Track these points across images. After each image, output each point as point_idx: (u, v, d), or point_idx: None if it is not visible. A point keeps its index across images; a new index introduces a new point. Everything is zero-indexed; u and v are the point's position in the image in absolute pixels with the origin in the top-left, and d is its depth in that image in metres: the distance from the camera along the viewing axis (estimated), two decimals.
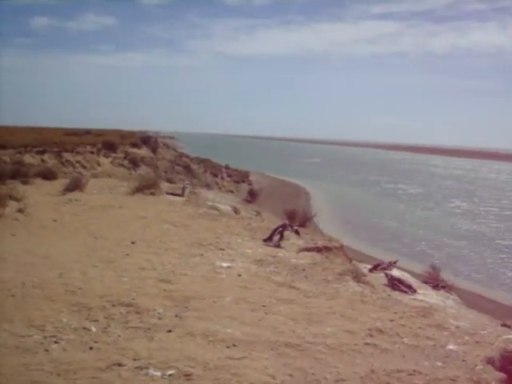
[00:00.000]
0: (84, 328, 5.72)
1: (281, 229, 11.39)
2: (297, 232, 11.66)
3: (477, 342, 6.67)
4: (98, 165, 38.47)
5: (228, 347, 5.50)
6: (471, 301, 15.91)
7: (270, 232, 11.94)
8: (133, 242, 10.01)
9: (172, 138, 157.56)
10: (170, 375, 4.76)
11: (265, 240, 11.24)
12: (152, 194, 16.22)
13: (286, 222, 12.82)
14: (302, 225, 17.78)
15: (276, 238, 11.17)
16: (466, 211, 59.84)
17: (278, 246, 10.97)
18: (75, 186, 16.32)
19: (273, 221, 16.43)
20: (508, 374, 5.57)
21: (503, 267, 34.47)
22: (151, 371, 4.79)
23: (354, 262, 11.51)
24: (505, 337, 6.93)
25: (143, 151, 47.96)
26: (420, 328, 6.90)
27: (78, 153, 37.66)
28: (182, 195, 16.97)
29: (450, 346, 6.36)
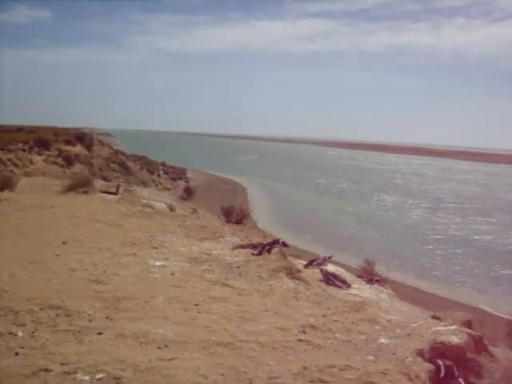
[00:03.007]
0: (10, 333, 5.51)
1: (268, 247, 11.01)
2: (284, 244, 11.19)
3: (408, 334, 6.79)
4: (31, 163, 37.52)
5: (159, 348, 5.42)
6: (405, 293, 16.33)
7: (205, 230, 11.89)
8: (64, 243, 9.77)
9: (108, 135, 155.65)
10: (98, 379, 4.64)
11: (253, 254, 10.78)
12: (85, 192, 15.91)
13: (277, 238, 12.12)
14: (239, 222, 17.77)
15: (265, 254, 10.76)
16: (393, 204, 61.67)
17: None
18: (5, 184, 15.87)
19: (209, 218, 16.38)
20: (436, 365, 5.72)
21: (429, 257, 35.60)
22: (79, 376, 4.66)
23: (289, 258, 11.56)
24: (434, 329, 7.09)
25: (78, 149, 47.02)
26: (352, 323, 6.99)
27: (9, 150, 36.60)
28: (116, 193, 16.72)
29: (382, 340, 6.46)
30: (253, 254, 10.48)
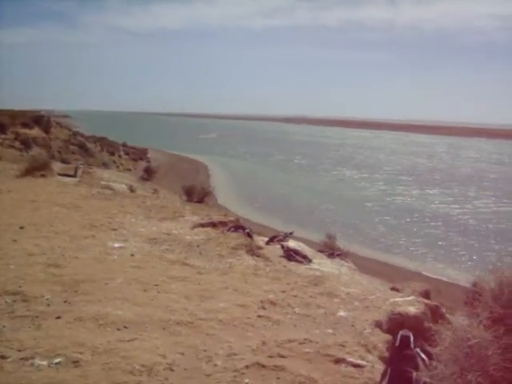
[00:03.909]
0: None
1: (233, 229, 10.86)
2: (249, 235, 10.96)
3: (366, 306, 6.90)
4: None
5: (118, 329, 5.41)
6: (365, 265, 16.54)
7: (165, 210, 11.87)
8: (21, 227, 9.59)
9: (66, 116, 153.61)
10: (56, 363, 4.62)
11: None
12: (43, 175, 15.65)
13: (240, 223, 12.00)
14: (200, 200, 17.75)
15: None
16: (352, 178, 62.45)
17: None
18: None
19: (170, 198, 16.31)
20: (393, 335, 5.82)
21: (386, 229, 36.16)
22: (37, 361, 4.63)
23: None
24: (392, 300, 7.21)
25: (35, 131, 46.19)
26: (311, 297, 7.06)
27: None
28: (74, 176, 16.53)
29: (341, 313, 6.55)
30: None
